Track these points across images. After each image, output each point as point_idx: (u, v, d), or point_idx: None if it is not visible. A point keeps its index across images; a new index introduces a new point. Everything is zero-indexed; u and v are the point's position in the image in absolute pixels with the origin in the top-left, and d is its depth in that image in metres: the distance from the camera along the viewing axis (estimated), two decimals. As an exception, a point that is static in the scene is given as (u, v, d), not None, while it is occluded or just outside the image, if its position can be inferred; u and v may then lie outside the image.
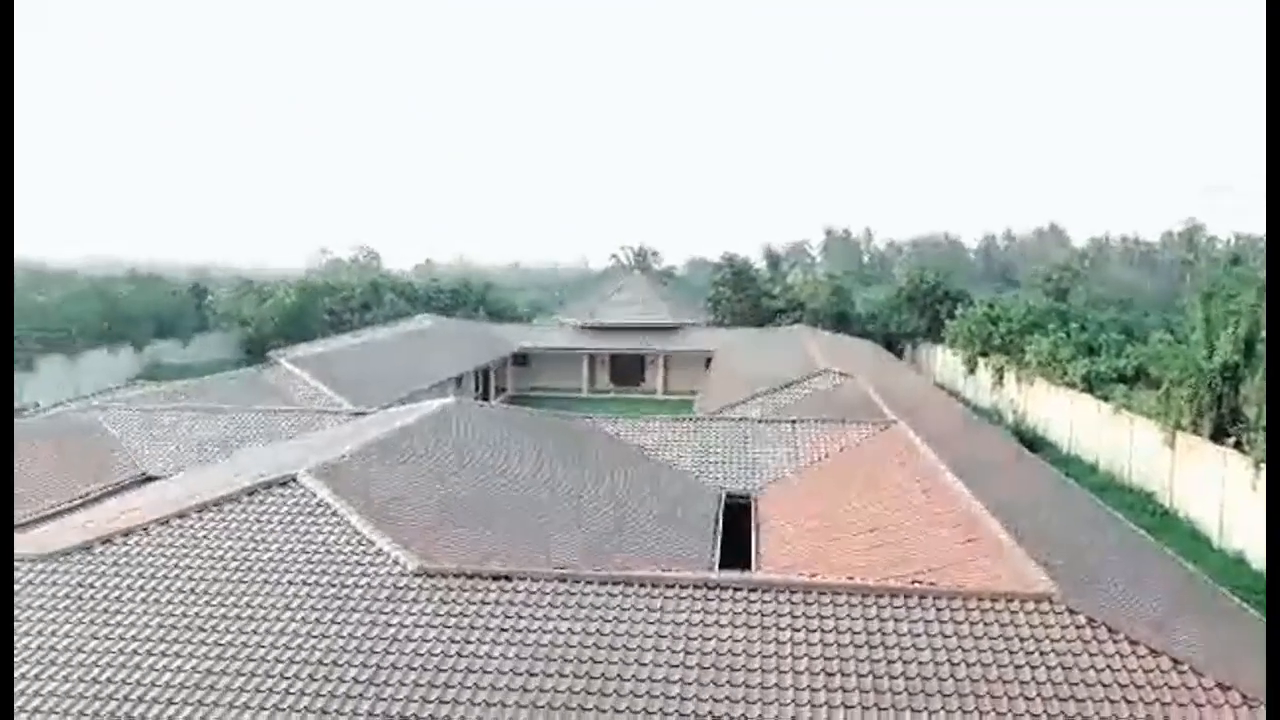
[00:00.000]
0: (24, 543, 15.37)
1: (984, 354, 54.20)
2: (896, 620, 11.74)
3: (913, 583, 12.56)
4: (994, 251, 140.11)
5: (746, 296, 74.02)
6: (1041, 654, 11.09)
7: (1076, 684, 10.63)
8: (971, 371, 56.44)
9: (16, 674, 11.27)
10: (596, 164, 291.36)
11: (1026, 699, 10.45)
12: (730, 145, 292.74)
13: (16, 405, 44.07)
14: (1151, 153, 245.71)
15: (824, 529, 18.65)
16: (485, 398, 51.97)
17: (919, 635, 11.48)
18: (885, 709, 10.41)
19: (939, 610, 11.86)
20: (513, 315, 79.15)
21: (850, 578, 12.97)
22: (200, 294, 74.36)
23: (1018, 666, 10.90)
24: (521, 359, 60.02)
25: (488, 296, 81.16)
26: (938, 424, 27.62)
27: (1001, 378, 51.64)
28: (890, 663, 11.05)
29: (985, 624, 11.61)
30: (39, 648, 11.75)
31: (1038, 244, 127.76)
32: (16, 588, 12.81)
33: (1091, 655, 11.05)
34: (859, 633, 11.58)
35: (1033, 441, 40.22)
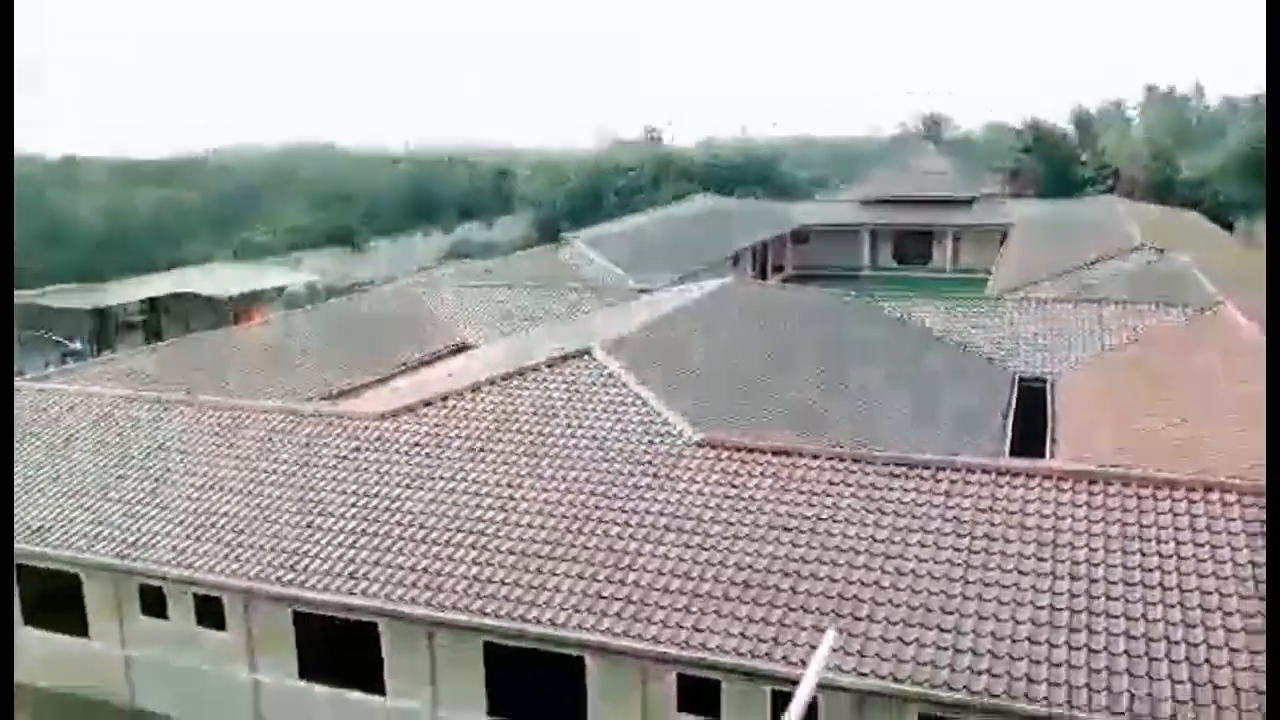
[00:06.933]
0: (363, 402, 17.54)
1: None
2: (1207, 516, 10.86)
3: (1229, 478, 11.48)
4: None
5: (1050, 165, 68.18)
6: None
7: None
8: (1321, 246, 49.33)
9: (368, 508, 13.12)
10: (885, 22, 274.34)
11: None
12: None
13: (351, 281, 49.61)
14: None
15: (1128, 418, 17.37)
16: (762, 276, 52.03)
17: (1218, 533, 10.60)
18: (1191, 608, 9.77)
19: (1244, 508, 10.86)
20: (794, 191, 77.83)
21: (1158, 469, 12.05)
22: (502, 176, 79.06)
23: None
24: (801, 236, 59.24)
25: (769, 172, 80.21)
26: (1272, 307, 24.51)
27: (1360, 253, 44.81)
28: (1200, 560, 10.29)
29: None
30: (382, 481, 13.57)
31: None
32: (356, 444, 14.71)
33: None
34: (1148, 526, 10.87)
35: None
